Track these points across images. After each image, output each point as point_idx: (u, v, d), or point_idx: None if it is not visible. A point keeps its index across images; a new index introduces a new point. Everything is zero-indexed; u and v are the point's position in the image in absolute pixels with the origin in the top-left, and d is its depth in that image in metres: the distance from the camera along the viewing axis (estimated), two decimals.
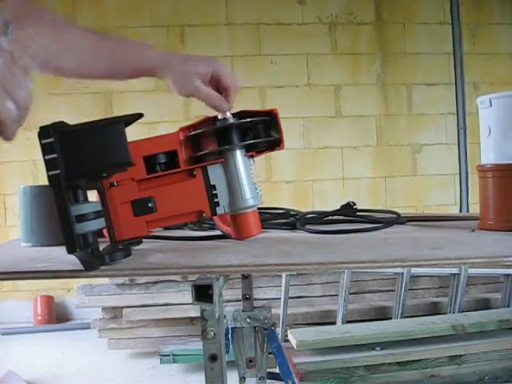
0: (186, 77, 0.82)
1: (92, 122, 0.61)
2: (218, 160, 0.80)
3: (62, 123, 0.60)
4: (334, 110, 3.75)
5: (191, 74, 0.82)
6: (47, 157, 0.58)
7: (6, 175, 3.62)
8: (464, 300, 2.61)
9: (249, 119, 0.82)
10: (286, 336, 2.29)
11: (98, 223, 0.65)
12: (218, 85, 0.83)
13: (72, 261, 0.62)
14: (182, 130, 0.82)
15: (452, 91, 3.68)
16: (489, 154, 0.94)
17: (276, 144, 0.85)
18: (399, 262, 0.66)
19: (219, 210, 0.80)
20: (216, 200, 0.80)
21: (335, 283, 2.73)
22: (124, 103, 3.58)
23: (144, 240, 0.87)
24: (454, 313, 2.55)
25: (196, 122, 0.83)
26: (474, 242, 0.80)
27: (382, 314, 2.69)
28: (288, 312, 2.59)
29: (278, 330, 2.47)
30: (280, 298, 2.59)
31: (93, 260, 0.62)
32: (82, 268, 0.61)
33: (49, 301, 3.57)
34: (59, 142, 0.59)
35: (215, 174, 0.80)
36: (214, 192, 0.80)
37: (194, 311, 2.65)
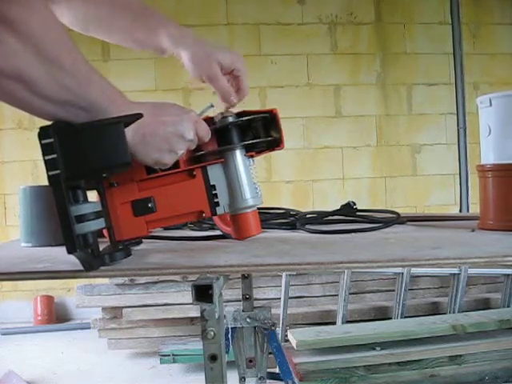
0: (207, 60, 0.82)
1: (91, 122, 0.61)
2: (218, 160, 0.80)
3: (62, 123, 0.60)
4: (334, 110, 3.75)
5: (214, 60, 0.82)
6: (47, 157, 0.58)
7: (6, 175, 3.62)
8: (464, 300, 2.61)
9: (247, 117, 0.82)
10: (286, 336, 2.29)
11: (98, 223, 0.65)
12: (232, 79, 0.84)
13: (72, 261, 0.62)
14: None
15: (452, 91, 3.69)
16: (489, 153, 0.94)
17: (276, 144, 0.85)
18: (399, 262, 0.66)
19: (219, 210, 0.80)
20: (216, 200, 0.80)
21: (335, 283, 2.73)
22: None
23: (144, 240, 0.87)
24: (454, 313, 2.55)
25: None
26: (474, 241, 0.80)
27: (381, 314, 2.69)
28: (288, 312, 2.59)
29: (278, 330, 2.47)
30: (280, 298, 2.59)
31: (93, 260, 0.62)
32: (82, 268, 0.61)
33: (49, 301, 3.57)
34: (59, 142, 0.59)
35: (215, 174, 0.80)
36: (214, 192, 0.80)
37: (194, 311, 2.65)
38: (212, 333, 0.65)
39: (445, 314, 2.58)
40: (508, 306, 2.56)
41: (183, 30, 0.86)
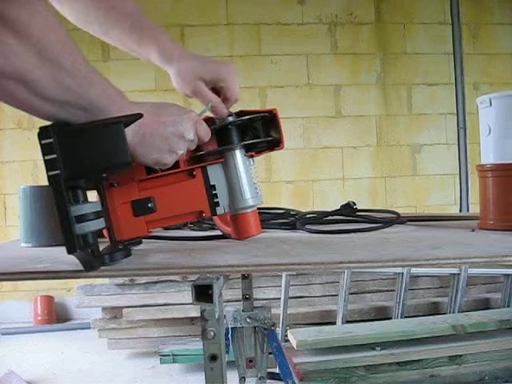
0: (190, 78, 0.83)
1: (91, 122, 0.61)
2: (218, 160, 0.80)
3: (61, 123, 0.60)
4: (334, 110, 3.75)
5: (196, 76, 0.83)
6: (47, 157, 0.58)
7: (6, 175, 3.62)
8: (464, 300, 2.61)
9: (247, 117, 0.82)
10: (286, 336, 2.29)
11: (98, 223, 0.65)
12: (219, 90, 0.85)
13: (72, 261, 0.62)
14: None
15: (452, 91, 3.68)
16: (489, 153, 0.95)
17: (276, 144, 0.85)
18: (399, 262, 0.66)
19: (219, 210, 0.80)
20: (216, 200, 0.80)
21: (335, 283, 2.73)
22: None
23: (144, 240, 0.87)
24: (454, 313, 2.55)
25: None
26: (474, 241, 0.80)
27: (381, 314, 2.69)
28: (288, 312, 2.59)
29: (278, 330, 2.47)
30: (280, 298, 2.59)
31: (93, 260, 0.62)
32: (82, 268, 0.61)
33: (49, 301, 3.57)
34: (59, 142, 0.59)
35: (215, 174, 0.80)
36: (214, 192, 0.80)
37: (194, 311, 2.65)
38: (212, 333, 0.65)
39: (445, 313, 2.58)
40: (508, 306, 2.56)
41: (172, 46, 0.87)
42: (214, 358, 0.67)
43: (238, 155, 0.81)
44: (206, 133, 0.75)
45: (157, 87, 3.58)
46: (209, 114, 0.84)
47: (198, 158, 0.81)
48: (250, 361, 1.55)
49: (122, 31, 0.87)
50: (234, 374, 1.55)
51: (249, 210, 0.81)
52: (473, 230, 0.90)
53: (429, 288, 2.84)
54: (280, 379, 1.58)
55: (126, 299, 2.72)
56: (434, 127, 3.82)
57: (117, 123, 0.62)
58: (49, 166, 0.58)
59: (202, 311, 0.65)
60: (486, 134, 0.94)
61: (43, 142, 0.58)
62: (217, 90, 0.85)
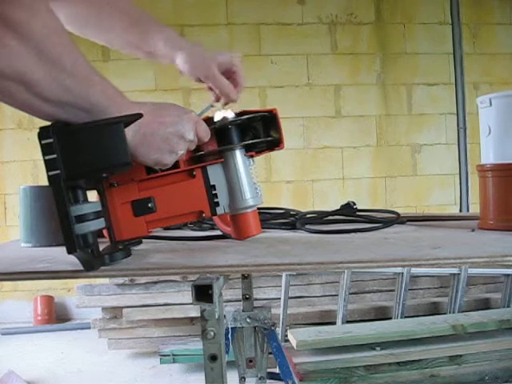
0: (204, 61, 0.86)
1: (91, 122, 0.61)
2: (218, 160, 0.80)
3: (61, 123, 0.60)
4: (334, 110, 3.75)
5: (212, 61, 0.86)
6: (47, 157, 0.58)
7: (6, 175, 3.62)
8: (464, 300, 2.61)
9: (247, 116, 0.82)
10: (286, 336, 2.29)
11: (98, 223, 0.65)
12: (229, 77, 0.88)
13: (72, 261, 0.62)
14: None
15: (452, 91, 3.69)
16: (489, 153, 0.95)
17: (276, 144, 0.85)
18: (399, 262, 0.66)
19: (219, 210, 0.80)
20: (216, 200, 0.80)
21: (335, 283, 2.73)
22: None
23: (144, 240, 0.87)
24: (453, 313, 2.55)
25: None
26: (474, 241, 0.80)
27: (381, 314, 2.68)
28: (288, 312, 2.59)
29: (278, 330, 2.47)
30: (280, 298, 2.59)
31: (93, 260, 0.62)
32: (82, 268, 0.61)
33: (49, 301, 3.57)
34: (59, 142, 0.59)
35: (215, 174, 0.80)
36: (214, 192, 0.80)
37: (194, 311, 2.65)
38: (212, 333, 0.65)
39: (445, 314, 2.58)
40: (508, 306, 2.56)
41: (179, 36, 0.90)
42: (213, 357, 0.67)
43: (238, 155, 0.81)
44: (205, 133, 0.76)
45: (157, 87, 3.58)
46: (209, 114, 0.84)
47: (197, 158, 0.81)
48: (250, 361, 1.55)
49: (123, 23, 0.87)
50: (234, 374, 1.55)
51: (249, 210, 0.81)
52: (473, 230, 0.90)
53: (429, 288, 2.84)
54: (280, 379, 1.58)
55: (125, 299, 2.72)
56: (434, 127, 3.82)
57: (117, 123, 0.62)
58: (49, 166, 0.58)
59: (202, 311, 0.65)
60: (486, 134, 0.94)
61: (43, 142, 0.58)
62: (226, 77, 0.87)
